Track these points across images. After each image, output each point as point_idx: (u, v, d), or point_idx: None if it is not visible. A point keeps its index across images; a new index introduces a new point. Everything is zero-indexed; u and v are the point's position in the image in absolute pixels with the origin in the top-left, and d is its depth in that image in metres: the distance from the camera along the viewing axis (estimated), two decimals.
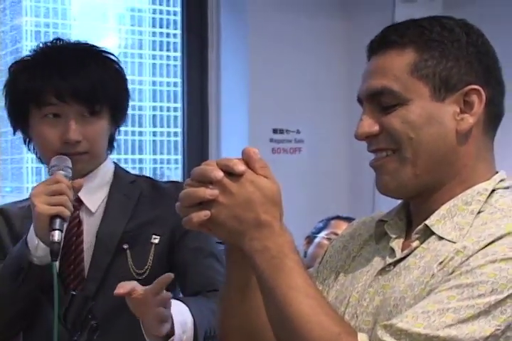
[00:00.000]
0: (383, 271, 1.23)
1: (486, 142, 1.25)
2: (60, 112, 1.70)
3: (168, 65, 4.13)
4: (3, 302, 1.66)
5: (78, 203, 1.75)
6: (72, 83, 1.67)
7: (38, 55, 1.76)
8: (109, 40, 4.10)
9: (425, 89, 1.20)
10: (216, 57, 4.01)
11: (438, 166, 1.21)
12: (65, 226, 1.61)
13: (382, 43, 1.25)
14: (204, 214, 1.11)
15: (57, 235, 1.51)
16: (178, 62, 4.07)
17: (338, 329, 1.08)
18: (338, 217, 3.01)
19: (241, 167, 1.12)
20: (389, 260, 1.24)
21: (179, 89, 4.07)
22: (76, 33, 3.96)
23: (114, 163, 1.86)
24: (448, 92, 1.20)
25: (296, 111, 3.94)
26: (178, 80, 4.08)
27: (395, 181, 1.23)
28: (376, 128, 1.23)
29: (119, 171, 1.84)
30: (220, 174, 1.11)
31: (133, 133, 4.08)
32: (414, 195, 1.25)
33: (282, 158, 3.94)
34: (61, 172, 1.61)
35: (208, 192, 1.11)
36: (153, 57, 4.10)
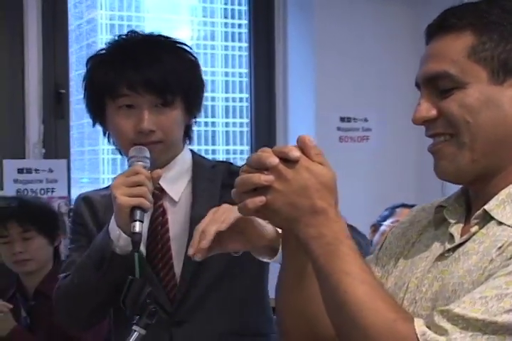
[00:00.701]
0: (442, 256, 1.22)
1: None
2: (134, 103, 1.73)
3: (239, 56, 4.14)
4: (88, 291, 1.70)
5: (161, 193, 1.79)
6: (144, 74, 1.70)
7: (112, 48, 1.80)
8: (182, 32, 4.15)
9: (483, 73, 1.19)
10: (283, 47, 4.02)
11: (496, 150, 1.20)
12: (147, 216, 1.67)
13: (440, 27, 1.23)
14: (259, 199, 1.12)
15: (138, 226, 1.54)
16: (245, 53, 4.09)
17: (394, 316, 1.08)
18: (403, 205, 2.99)
19: (296, 153, 1.13)
20: (448, 245, 1.23)
21: (246, 79, 4.09)
22: (149, 26, 4.01)
23: (191, 150, 1.88)
24: (507, 75, 1.18)
25: (364, 100, 3.93)
26: (246, 71, 4.10)
27: (452, 166, 1.22)
28: (434, 112, 1.22)
29: (197, 158, 1.86)
30: (275, 160, 1.12)
31: (206, 124, 4.11)
32: (473, 180, 1.23)
33: (350, 147, 3.94)
34: (140, 163, 1.65)
35: (263, 178, 1.12)
36: (226, 48, 4.12)
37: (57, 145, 3.68)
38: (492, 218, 1.19)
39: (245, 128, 4.13)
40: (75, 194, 3.49)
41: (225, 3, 4.12)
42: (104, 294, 1.68)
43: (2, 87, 3.59)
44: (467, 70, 1.19)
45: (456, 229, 1.24)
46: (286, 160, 1.13)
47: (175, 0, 4.15)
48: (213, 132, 4.10)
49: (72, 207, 3.59)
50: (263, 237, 1.41)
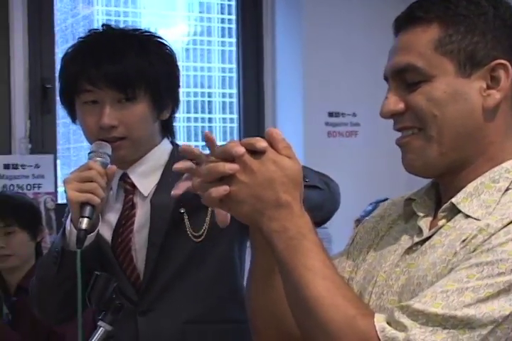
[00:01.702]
0: (410, 250, 1.22)
1: None
2: (97, 99, 1.72)
3: (224, 51, 4.13)
4: (49, 286, 1.71)
5: (132, 188, 1.78)
6: (104, 69, 1.69)
7: (78, 44, 1.79)
8: (178, 28, 4.14)
9: (450, 65, 1.18)
10: (271, 43, 4.01)
11: (464, 144, 1.19)
12: (117, 211, 1.68)
13: (408, 20, 1.22)
14: (223, 188, 1.11)
15: (85, 223, 1.55)
16: (234, 48, 4.07)
17: (354, 312, 1.07)
18: (387, 200, 2.97)
19: (263, 144, 1.12)
20: (416, 239, 1.22)
21: (234, 75, 4.08)
22: (146, 21, 4.00)
23: (175, 144, 1.85)
24: (474, 68, 1.18)
25: (352, 95, 3.92)
26: (234, 66, 4.08)
27: (420, 160, 1.21)
28: (401, 106, 1.21)
29: (176, 152, 1.83)
30: (241, 149, 1.11)
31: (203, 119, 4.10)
32: (441, 174, 1.22)
33: (338, 142, 3.93)
34: (98, 159, 1.64)
35: (228, 167, 1.11)
36: (222, 43, 4.11)
37: (43, 140, 3.67)
38: (459, 211, 1.19)
39: (234, 124, 4.12)
40: (61, 190, 3.48)
41: None
42: (64, 289, 1.68)
43: None
44: (434, 63, 1.18)
45: (424, 223, 1.23)
46: (254, 153, 1.12)
47: None
48: (210, 128, 4.08)
49: (58, 202, 3.59)
50: None
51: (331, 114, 3.90)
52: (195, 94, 4.06)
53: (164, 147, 1.82)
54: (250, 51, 4.03)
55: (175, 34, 4.15)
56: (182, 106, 4.06)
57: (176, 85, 1.81)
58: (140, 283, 1.76)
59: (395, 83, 1.22)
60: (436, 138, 1.18)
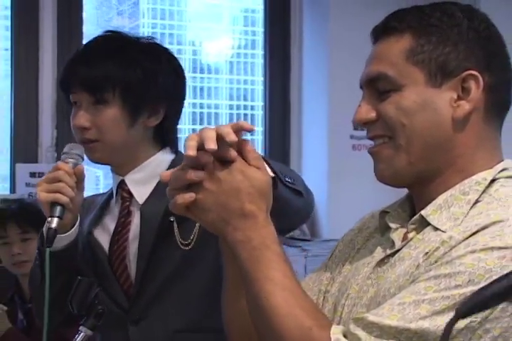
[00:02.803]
0: (382, 262, 1.21)
1: (488, 130, 1.20)
2: (77, 100, 1.77)
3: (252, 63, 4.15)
4: (37, 287, 1.72)
5: (128, 195, 1.80)
6: (79, 72, 1.74)
7: (81, 48, 1.85)
8: (223, 41, 4.17)
9: (420, 75, 1.17)
10: (298, 54, 4.01)
11: (433, 154, 1.18)
12: (114, 220, 1.71)
13: (383, 30, 1.23)
14: (189, 195, 1.12)
15: (54, 222, 1.57)
16: (261, 60, 4.09)
17: (311, 323, 1.07)
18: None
19: (232, 153, 1.12)
20: (388, 251, 1.21)
21: (261, 87, 4.09)
22: (191, 34, 4.05)
23: (179, 153, 1.84)
24: (445, 78, 1.17)
25: None
26: (260, 78, 4.09)
27: (390, 169, 1.20)
28: (373, 114, 1.20)
29: (178, 161, 1.82)
30: (209, 157, 1.11)
31: None
32: (411, 184, 1.22)
33: (363, 155, 3.89)
34: (70, 159, 1.67)
35: (194, 174, 1.11)
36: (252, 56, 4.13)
37: None
38: (429, 223, 1.17)
39: (259, 137, 4.13)
40: None
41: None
42: (53, 289, 1.68)
43: (16, 91, 3.64)
44: (405, 72, 1.18)
45: (398, 235, 1.22)
46: (224, 162, 1.13)
47: (217, 9, 4.17)
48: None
49: None
50: None
51: (356, 127, 3.88)
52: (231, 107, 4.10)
53: (163, 156, 1.83)
54: (277, 63, 4.04)
55: (219, 47, 4.18)
56: (225, 117, 4.12)
57: (166, 93, 1.79)
58: (132, 291, 1.77)
59: (368, 92, 1.22)
60: (404, 147, 1.18)
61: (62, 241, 1.67)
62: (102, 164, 1.84)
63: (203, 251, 1.73)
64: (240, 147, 1.14)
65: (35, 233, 2.82)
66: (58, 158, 3.60)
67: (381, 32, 1.23)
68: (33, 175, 3.61)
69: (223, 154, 1.12)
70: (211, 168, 1.12)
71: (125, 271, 1.78)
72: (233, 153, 1.12)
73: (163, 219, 1.74)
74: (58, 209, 1.59)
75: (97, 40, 1.83)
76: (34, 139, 3.66)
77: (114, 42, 1.80)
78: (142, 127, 1.79)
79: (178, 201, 1.13)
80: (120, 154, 1.79)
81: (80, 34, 3.73)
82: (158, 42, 1.86)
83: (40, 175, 3.60)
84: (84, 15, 3.79)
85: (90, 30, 4.05)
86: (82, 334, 1.42)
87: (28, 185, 3.60)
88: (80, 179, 1.66)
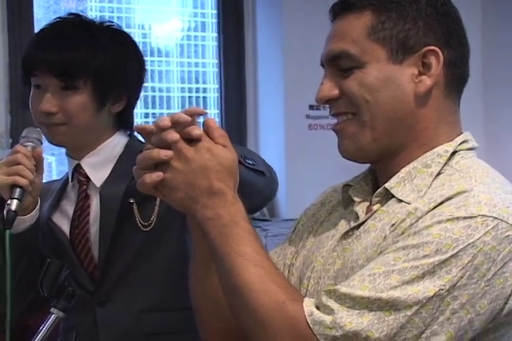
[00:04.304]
0: (347, 234, 1.23)
1: (448, 104, 1.23)
2: (41, 84, 1.76)
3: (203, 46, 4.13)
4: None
5: (85, 179, 1.81)
6: (49, 56, 1.72)
7: (41, 30, 1.82)
8: (172, 23, 4.14)
9: (382, 52, 1.19)
10: (252, 37, 4.01)
11: (397, 129, 1.20)
12: (72, 204, 1.71)
13: (343, 7, 1.24)
14: (156, 175, 1.13)
15: (14, 204, 1.57)
16: (215, 43, 4.08)
17: (284, 297, 1.09)
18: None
19: (198, 131, 1.14)
20: (352, 224, 1.23)
21: (216, 69, 4.08)
22: (139, 17, 4.01)
23: (133, 136, 1.86)
24: (406, 54, 1.19)
25: None
26: (215, 61, 4.08)
27: (354, 145, 1.22)
28: (336, 92, 1.22)
29: (132, 143, 1.84)
30: (175, 136, 1.13)
31: None
32: (375, 159, 1.24)
33: (319, 134, 3.93)
34: (28, 143, 1.66)
35: (162, 153, 1.13)
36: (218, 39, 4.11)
37: None
38: (393, 196, 1.20)
39: (216, 119, 4.13)
40: None
41: None
42: (17, 272, 1.68)
43: None
44: (366, 49, 1.20)
45: (361, 208, 1.25)
46: (190, 141, 1.14)
47: None
48: None
49: None
50: None
51: (311, 107, 3.91)
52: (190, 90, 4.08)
53: (119, 139, 1.84)
54: (231, 45, 4.03)
55: (169, 30, 4.15)
56: (177, 100, 4.10)
57: (131, 80, 1.81)
58: (96, 273, 1.78)
59: (330, 69, 1.24)
60: (368, 123, 1.20)
61: (24, 223, 1.67)
62: (60, 146, 1.84)
63: (164, 232, 1.75)
64: (206, 125, 1.15)
65: None
66: (13, 144, 3.60)
67: (340, 9, 1.24)
68: None
69: (189, 132, 1.13)
70: (178, 147, 1.13)
71: (89, 254, 1.79)
72: (199, 131, 1.14)
73: (122, 201, 1.75)
74: (18, 191, 1.59)
75: (62, 24, 1.80)
76: None
77: (81, 26, 1.79)
78: (107, 113, 1.80)
79: (146, 180, 1.14)
80: (83, 138, 1.79)
81: (31, 18, 3.68)
82: (120, 27, 1.86)
83: None
84: None
85: (39, 14, 4.00)
86: (53, 316, 1.42)
87: None
88: (38, 162, 1.65)
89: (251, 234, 1.13)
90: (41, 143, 1.69)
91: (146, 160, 1.14)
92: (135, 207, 1.75)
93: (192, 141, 1.14)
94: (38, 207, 1.71)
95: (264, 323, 1.09)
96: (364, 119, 1.20)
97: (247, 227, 1.13)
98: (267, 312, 1.09)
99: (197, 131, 1.14)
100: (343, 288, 1.08)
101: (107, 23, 1.84)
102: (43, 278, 1.45)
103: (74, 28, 1.79)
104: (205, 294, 1.27)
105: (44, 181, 1.93)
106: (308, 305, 1.09)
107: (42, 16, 3.98)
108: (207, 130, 1.15)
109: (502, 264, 1.09)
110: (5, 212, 1.61)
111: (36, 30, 3.62)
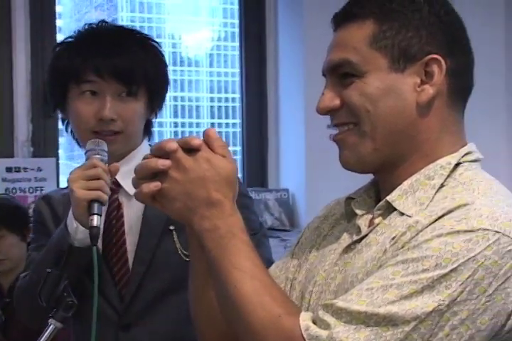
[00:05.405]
0: (348, 248, 1.21)
1: (451, 114, 1.20)
2: (98, 90, 1.71)
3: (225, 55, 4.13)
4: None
5: (116, 187, 1.76)
6: (112, 61, 1.69)
7: (80, 35, 1.78)
8: (202, 33, 4.15)
9: (384, 61, 1.17)
10: (274, 47, 4.00)
11: (398, 140, 1.18)
12: (104, 209, 1.65)
13: (344, 16, 1.22)
14: (154, 184, 1.12)
15: (96, 219, 1.52)
16: (237, 53, 4.08)
17: (280, 311, 1.07)
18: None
19: (197, 141, 1.12)
20: (355, 237, 1.21)
21: (237, 79, 4.08)
22: (170, 27, 4.03)
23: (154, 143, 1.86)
24: (408, 63, 1.17)
25: None
26: (236, 71, 4.08)
27: (355, 156, 1.20)
28: (337, 102, 1.20)
29: None
30: (174, 145, 1.11)
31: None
32: (376, 170, 1.22)
33: None
34: (97, 156, 1.63)
35: (160, 162, 1.11)
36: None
37: (45, 143, 3.69)
38: (395, 209, 1.18)
39: (237, 129, 4.12)
40: None
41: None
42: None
43: None
44: (368, 58, 1.18)
45: (364, 221, 1.22)
46: (189, 151, 1.13)
47: (195, 2, 4.15)
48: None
49: None
50: None
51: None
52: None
53: (145, 147, 1.82)
54: (253, 55, 4.02)
55: (198, 39, 4.17)
56: (206, 110, 4.11)
57: (166, 88, 1.81)
58: (126, 293, 1.72)
59: (331, 79, 1.23)
60: (369, 133, 1.18)
61: (86, 238, 1.58)
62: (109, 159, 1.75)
63: None
64: (206, 136, 1.14)
65: (6, 230, 2.80)
66: (34, 153, 3.62)
67: (342, 19, 1.23)
68: (9, 169, 3.58)
69: (188, 142, 1.12)
70: (177, 157, 1.12)
71: (125, 266, 1.73)
72: (198, 141, 1.12)
73: (164, 227, 1.72)
74: (97, 206, 1.54)
75: (102, 30, 1.77)
76: (9, 134, 3.63)
77: (132, 34, 1.78)
78: (145, 120, 1.80)
79: (143, 190, 1.13)
80: (128, 146, 1.77)
81: (53, 27, 3.70)
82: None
83: (17, 169, 3.58)
84: (61, 9, 3.76)
85: (66, 24, 4.03)
86: (51, 326, 1.41)
87: (4, 180, 3.57)
88: (113, 177, 1.63)
89: (248, 246, 1.12)
90: (109, 156, 1.66)
91: (144, 169, 1.13)
92: (175, 235, 1.71)
93: (191, 150, 1.13)
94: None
95: (260, 337, 1.07)
96: (364, 129, 1.18)
97: (245, 239, 1.12)
98: (262, 325, 1.07)
99: (196, 140, 1.12)
100: (340, 303, 1.06)
101: (137, 33, 1.83)
102: (42, 288, 1.43)
103: (123, 33, 1.77)
104: (203, 307, 1.26)
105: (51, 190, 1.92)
106: (305, 319, 1.07)
107: (67, 26, 4.01)
108: (206, 140, 1.14)
109: (504, 279, 1.05)
110: (68, 227, 1.60)
111: (59, 39, 3.67)
